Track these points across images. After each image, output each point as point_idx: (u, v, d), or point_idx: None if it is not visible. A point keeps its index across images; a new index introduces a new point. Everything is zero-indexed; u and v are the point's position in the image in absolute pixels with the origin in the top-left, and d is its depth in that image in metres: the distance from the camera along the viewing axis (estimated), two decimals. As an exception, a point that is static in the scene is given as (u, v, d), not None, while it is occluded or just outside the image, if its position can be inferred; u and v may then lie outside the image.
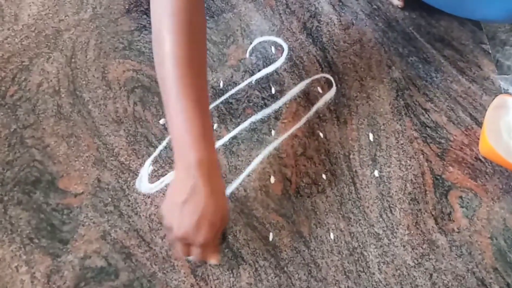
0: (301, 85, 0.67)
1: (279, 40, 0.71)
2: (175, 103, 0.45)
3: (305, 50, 0.70)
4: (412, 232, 0.56)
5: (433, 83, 0.67)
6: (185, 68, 0.45)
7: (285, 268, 0.54)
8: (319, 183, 0.59)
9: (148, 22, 0.72)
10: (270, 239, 0.55)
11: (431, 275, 0.53)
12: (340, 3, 0.75)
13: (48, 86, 0.66)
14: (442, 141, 0.62)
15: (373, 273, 0.53)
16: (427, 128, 0.63)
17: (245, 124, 0.63)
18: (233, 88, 0.66)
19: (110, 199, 0.57)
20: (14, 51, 0.69)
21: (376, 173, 0.60)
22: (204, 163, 0.45)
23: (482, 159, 0.61)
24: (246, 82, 0.67)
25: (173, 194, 0.47)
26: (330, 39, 0.71)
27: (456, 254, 0.55)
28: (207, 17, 0.73)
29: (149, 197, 0.58)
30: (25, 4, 0.73)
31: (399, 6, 0.74)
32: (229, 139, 0.62)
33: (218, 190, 0.47)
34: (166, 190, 0.58)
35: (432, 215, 0.57)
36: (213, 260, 0.49)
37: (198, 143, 0.45)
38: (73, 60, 0.68)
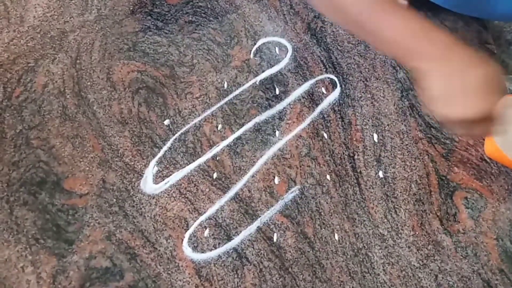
0: (305, 86, 0.67)
1: (283, 41, 0.71)
2: (389, 19, 0.44)
3: (309, 50, 0.70)
4: (417, 233, 0.56)
5: (438, 83, 0.67)
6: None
7: (290, 269, 0.53)
8: (324, 184, 0.59)
9: (152, 23, 0.73)
10: (275, 239, 0.55)
11: (436, 276, 0.53)
12: (344, 4, 0.75)
13: (53, 87, 0.66)
14: (447, 141, 0.62)
15: (378, 274, 0.53)
16: (432, 128, 0.63)
17: (249, 124, 0.63)
18: (237, 88, 0.66)
19: (115, 200, 0.58)
20: (19, 52, 0.69)
21: (380, 173, 0.59)
22: (453, 43, 0.44)
23: (488, 160, 0.60)
24: (250, 83, 0.67)
25: (446, 88, 0.44)
26: (334, 40, 0.71)
27: (462, 255, 0.54)
28: (211, 18, 0.73)
29: (153, 198, 0.58)
30: (30, 6, 0.74)
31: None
32: (233, 140, 0.62)
33: (479, 58, 0.44)
34: (171, 189, 0.58)
35: (437, 216, 0.57)
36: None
37: (434, 31, 0.44)
38: (78, 61, 0.69)
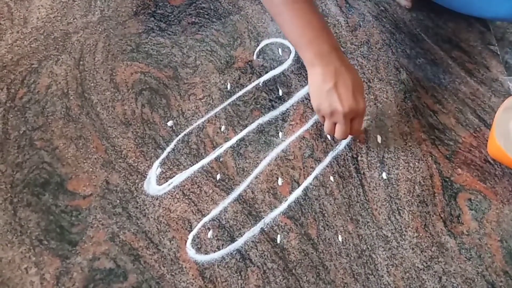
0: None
1: (286, 42, 0.71)
2: (291, 11, 0.54)
3: (312, 52, 0.70)
4: (421, 234, 0.56)
5: (441, 84, 0.67)
6: None
7: (293, 271, 0.53)
8: (327, 185, 0.59)
9: (155, 24, 0.73)
10: (278, 241, 0.55)
11: (440, 278, 0.53)
12: (347, 5, 0.75)
13: (56, 88, 0.66)
14: (451, 143, 0.62)
15: (382, 276, 0.53)
16: (435, 130, 0.63)
17: (253, 126, 0.63)
18: (240, 90, 0.66)
19: (118, 201, 0.58)
20: (23, 53, 0.69)
21: (384, 175, 0.59)
22: (336, 48, 0.54)
23: (491, 161, 0.60)
24: (253, 84, 0.67)
25: (321, 84, 0.53)
26: (337, 41, 0.71)
27: (466, 257, 0.54)
28: (214, 19, 0.73)
29: (157, 199, 0.58)
30: (34, 7, 0.74)
31: (407, 7, 0.74)
32: (236, 141, 0.62)
33: (351, 65, 0.56)
34: (175, 190, 0.58)
35: (441, 217, 0.57)
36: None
37: (325, 35, 0.54)
38: (81, 62, 0.69)
